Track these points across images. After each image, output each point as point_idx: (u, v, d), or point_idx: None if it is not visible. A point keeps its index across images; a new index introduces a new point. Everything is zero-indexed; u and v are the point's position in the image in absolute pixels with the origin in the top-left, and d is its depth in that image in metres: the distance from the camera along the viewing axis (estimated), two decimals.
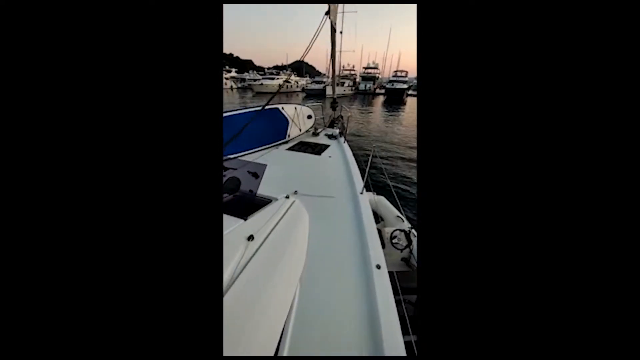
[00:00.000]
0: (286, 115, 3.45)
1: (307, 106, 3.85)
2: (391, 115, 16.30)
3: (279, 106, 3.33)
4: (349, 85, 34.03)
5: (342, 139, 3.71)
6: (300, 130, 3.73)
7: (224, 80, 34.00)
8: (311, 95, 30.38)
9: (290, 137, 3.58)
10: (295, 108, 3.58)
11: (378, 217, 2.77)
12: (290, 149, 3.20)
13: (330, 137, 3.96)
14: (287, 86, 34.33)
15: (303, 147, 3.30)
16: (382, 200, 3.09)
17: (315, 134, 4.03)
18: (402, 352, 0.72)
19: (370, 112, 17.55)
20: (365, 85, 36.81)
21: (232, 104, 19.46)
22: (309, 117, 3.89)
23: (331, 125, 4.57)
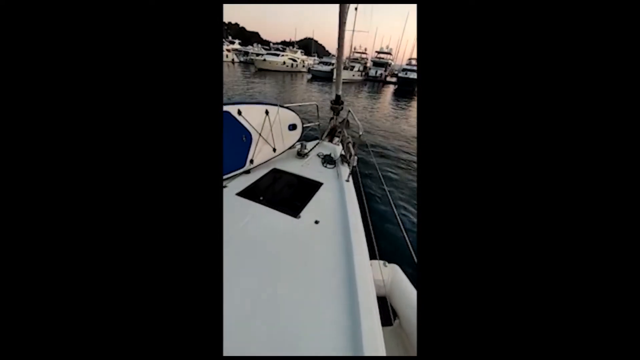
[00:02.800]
0: (246, 124, 2.12)
1: (292, 109, 2.52)
2: (401, 109, 14.81)
3: (233, 109, 1.99)
4: (358, 70, 31.65)
5: (345, 170, 2.41)
6: (274, 150, 2.45)
7: (225, 53, 31.61)
8: (317, 78, 28.24)
9: (254, 163, 2.31)
10: (267, 112, 2.26)
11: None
12: (241, 194, 1.92)
13: (326, 161, 2.67)
14: (291, 64, 32.00)
15: (268, 190, 2.04)
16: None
17: (301, 155, 2.73)
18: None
19: (378, 104, 16.00)
20: (376, 72, 34.36)
21: (234, 81, 17.72)
22: (292, 127, 2.57)
23: (331, 138, 3.26)
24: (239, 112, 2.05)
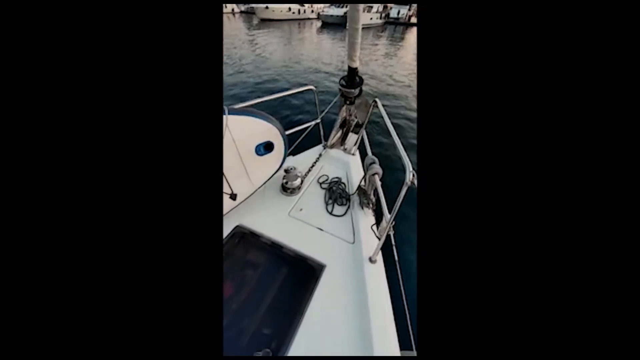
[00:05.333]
0: None
1: (259, 114, 1.29)
2: None
3: None
4: (377, 12, 26.77)
5: (365, 226, 1.38)
6: (232, 196, 1.31)
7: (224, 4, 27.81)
8: (329, 25, 24.34)
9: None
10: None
11: None
12: None
13: (334, 198, 1.56)
14: (298, 10, 27.76)
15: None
16: None
17: (288, 190, 1.60)
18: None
19: (401, 51, 13.28)
20: (398, 12, 28.93)
21: (233, 35, 15.40)
22: (265, 148, 1.38)
23: (343, 138, 1.99)
24: None
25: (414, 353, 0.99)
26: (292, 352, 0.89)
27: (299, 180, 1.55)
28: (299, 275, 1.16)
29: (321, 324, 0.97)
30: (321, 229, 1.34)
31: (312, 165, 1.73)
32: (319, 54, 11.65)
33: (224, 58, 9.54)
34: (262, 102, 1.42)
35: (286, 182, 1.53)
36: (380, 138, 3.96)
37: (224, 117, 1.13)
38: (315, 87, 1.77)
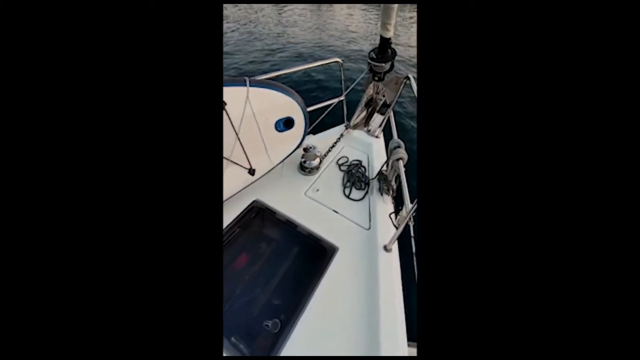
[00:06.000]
0: None
1: (281, 87, 1.23)
2: None
3: None
4: None
5: (383, 214, 1.32)
6: (251, 171, 1.31)
7: None
8: None
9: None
10: (224, 103, 1.07)
11: None
12: None
13: (352, 182, 1.50)
14: None
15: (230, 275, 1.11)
16: None
17: (307, 170, 1.56)
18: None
19: None
20: None
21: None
22: (285, 124, 1.33)
23: (367, 118, 1.87)
24: None
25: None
26: (299, 327, 0.92)
27: (317, 160, 1.50)
28: (311, 254, 1.17)
29: (330, 304, 0.98)
30: (336, 212, 1.32)
31: (332, 146, 1.66)
32: (349, 22, 10.86)
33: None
34: (285, 74, 1.34)
35: (304, 161, 1.49)
36: (410, 122, 3.71)
37: (245, 88, 1.08)
38: (342, 60, 1.64)
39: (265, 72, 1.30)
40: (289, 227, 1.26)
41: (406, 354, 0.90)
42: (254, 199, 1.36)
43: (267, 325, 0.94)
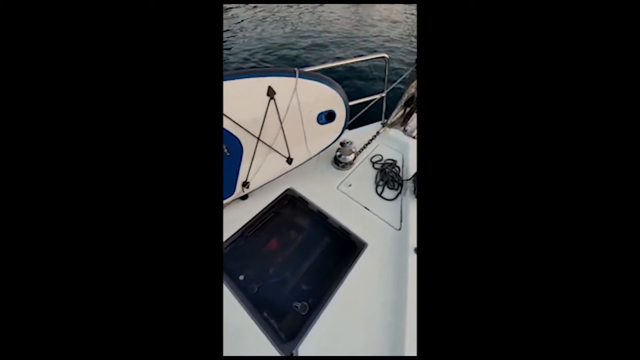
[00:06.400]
0: (227, 124, 1.08)
1: (328, 81, 1.24)
2: None
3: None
4: None
5: (412, 215, 1.29)
6: (289, 160, 1.37)
7: None
8: None
9: (251, 187, 1.31)
10: (272, 92, 1.11)
11: None
12: None
13: (385, 181, 1.52)
14: None
15: (259, 259, 1.18)
16: None
17: (341, 164, 1.58)
18: None
19: None
20: None
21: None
22: (327, 117, 1.35)
23: (405, 118, 1.83)
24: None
25: None
26: (325, 314, 0.97)
27: (352, 155, 1.51)
28: (341, 247, 1.20)
29: (356, 298, 1.02)
30: (367, 209, 1.33)
31: (368, 143, 1.66)
32: (388, 13, 10.43)
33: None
34: (331, 67, 1.35)
35: (339, 155, 1.51)
36: None
37: (294, 79, 1.11)
38: (388, 56, 1.61)
39: (308, 65, 1.32)
40: (320, 217, 1.30)
41: None
42: (287, 187, 1.41)
43: (297, 307, 1.00)
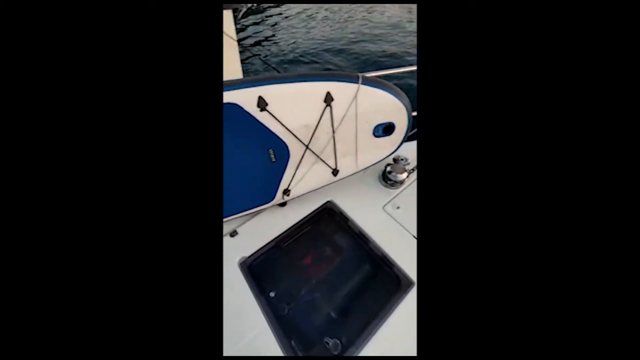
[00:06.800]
0: (275, 128, 0.99)
1: (391, 88, 1.09)
2: None
3: (246, 95, 0.88)
4: None
5: None
6: (334, 172, 1.25)
7: None
8: None
9: (292, 195, 1.21)
10: (329, 98, 0.99)
11: None
12: (248, 265, 1.03)
13: None
14: None
15: (294, 276, 1.10)
16: None
17: (389, 182, 1.41)
18: None
19: None
20: None
21: None
22: (385, 129, 1.19)
23: None
24: (263, 104, 0.89)
25: None
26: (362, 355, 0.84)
27: (405, 174, 1.34)
28: (383, 280, 1.06)
29: (399, 346, 0.87)
30: (417, 238, 1.16)
31: (415, 168, 1.48)
32: None
33: None
34: (395, 73, 1.20)
35: (390, 172, 1.35)
36: None
37: (357, 85, 0.99)
38: None
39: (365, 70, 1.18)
40: (361, 240, 1.17)
41: None
42: (328, 199, 1.30)
43: (328, 343, 0.88)
